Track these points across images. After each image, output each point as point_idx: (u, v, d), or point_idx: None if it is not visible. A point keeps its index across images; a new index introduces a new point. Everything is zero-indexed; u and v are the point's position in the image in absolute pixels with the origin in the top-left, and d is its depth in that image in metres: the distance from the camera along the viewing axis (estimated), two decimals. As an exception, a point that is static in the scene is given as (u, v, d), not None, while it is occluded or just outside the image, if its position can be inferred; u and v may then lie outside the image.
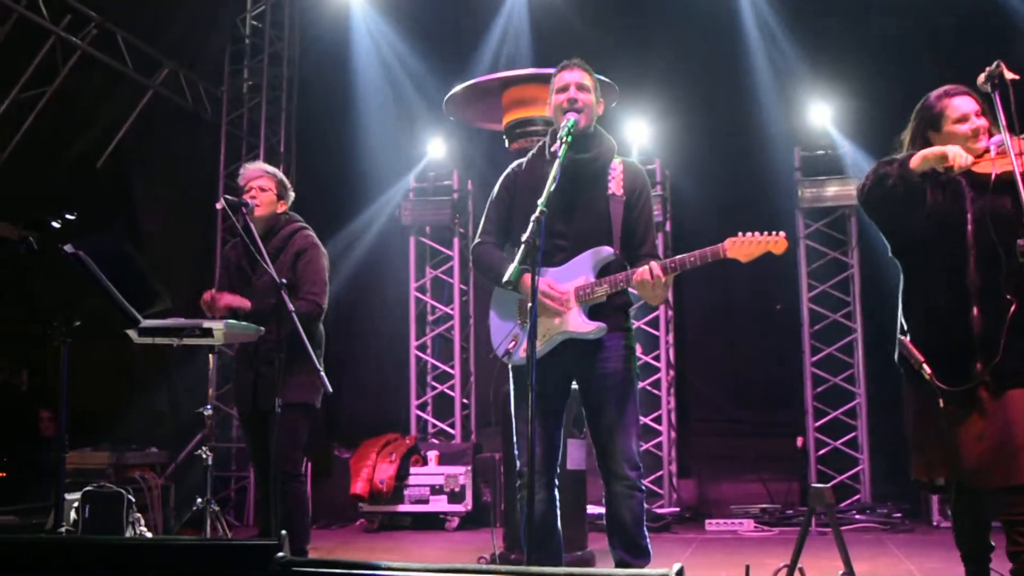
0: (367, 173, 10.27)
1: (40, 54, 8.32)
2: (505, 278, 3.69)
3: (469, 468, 8.86)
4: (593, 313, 4.10)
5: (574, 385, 4.27)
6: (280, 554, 2.51)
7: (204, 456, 4.93)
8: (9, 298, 9.72)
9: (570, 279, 4.12)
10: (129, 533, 5.78)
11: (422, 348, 10.38)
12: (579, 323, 4.08)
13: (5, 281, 9.43)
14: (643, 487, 4.21)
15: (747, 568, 4.29)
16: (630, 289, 4.09)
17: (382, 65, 10.27)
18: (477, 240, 4.40)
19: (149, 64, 9.52)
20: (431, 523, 8.85)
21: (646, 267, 3.94)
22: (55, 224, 3.95)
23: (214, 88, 10.42)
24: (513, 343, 4.09)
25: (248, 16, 10.57)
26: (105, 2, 8.65)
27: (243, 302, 5.00)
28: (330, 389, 4.45)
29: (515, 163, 4.44)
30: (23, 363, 10.15)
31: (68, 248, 3.82)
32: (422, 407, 10.26)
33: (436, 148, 10.32)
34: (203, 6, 9.79)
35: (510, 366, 4.24)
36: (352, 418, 10.08)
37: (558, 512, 4.25)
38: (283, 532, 4.30)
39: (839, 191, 9.23)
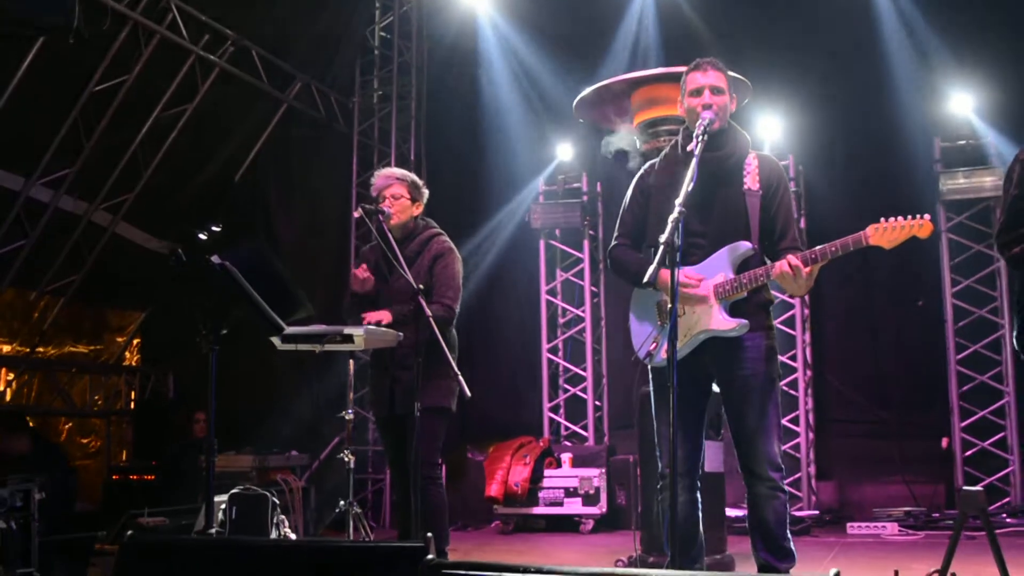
0: (496, 178, 10.34)
1: (181, 73, 8.65)
2: (644, 279, 3.65)
3: (603, 471, 8.82)
4: (734, 311, 4.04)
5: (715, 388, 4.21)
6: (429, 556, 2.53)
7: (346, 459, 5.02)
8: (158, 309, 10.21)
9: (708, 277, 4.06)
10: (274, 534, 5.93)
11: (554, 351, 10.38)
12: (720, 320, 4.02)
13: (156, 293, 9.90)
14: (786, 489, 4.12)
15: (896, 573, 4.16)
16: (770, 284, 4.02)
17: (509, 70, 10.33)
18: (613, 242, 4.38)
19: (283, 78, 9.80)
20: (565, 525, 8.84)
21: (784, 260, 3.86)
22: (202, 236, 4.08)
23: (345, 99, 10.65)
24: (654, 344, 4.05)
25: (376, 28, 10.78)
26: (241, 21, 8.94)
27: (385, 316, 5.04)
28: (468, 393, 4.48)
29: (647, 164, 4.40)
30: (170, 370, 10.59)
31: (215, 259, 3.94)
32: (554, 410, 10.26)
33: (565, 151, 10.32)
34: (334, 20, 10.01)
35: (650, 367, 4.20)
36: (484, 421, 10.14)
37: (700, 515, 4.19)
38: (428, 535, 4.35)
39: (982, 182, 8.84)
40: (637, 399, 5.62)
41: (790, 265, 3.83)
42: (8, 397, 9.09)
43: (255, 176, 9.97)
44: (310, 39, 9.91)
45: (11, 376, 9.20)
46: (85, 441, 10.31)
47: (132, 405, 10.54)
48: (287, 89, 9.85)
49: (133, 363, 10.63)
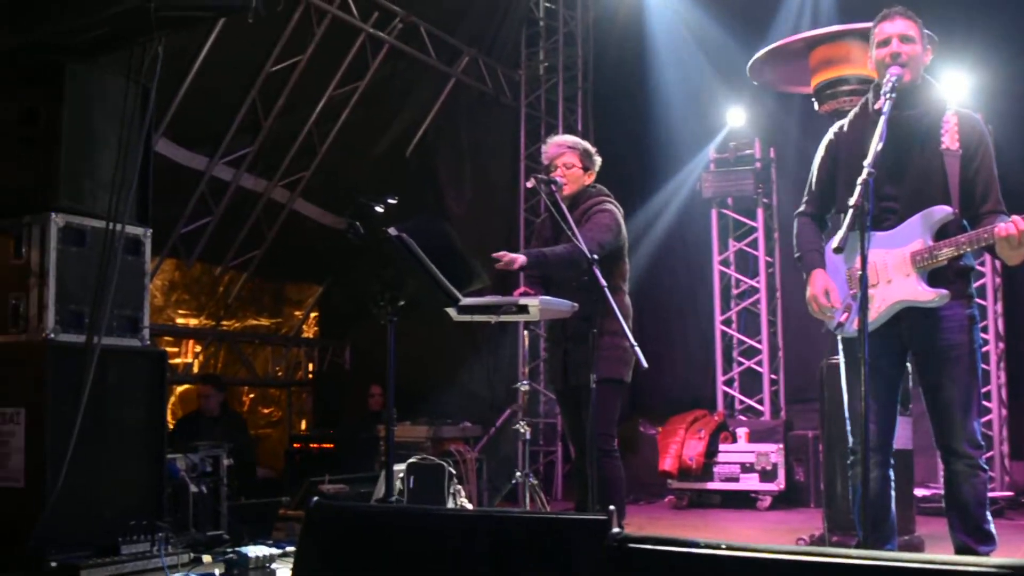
0: (665, 147, 10.12)
1: (352, 51, 8.80)
2: (833, 245, 3.47)
3: (781, 446, 8.56)
4: (933, 279, 3.79)
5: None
6: (615, 530, 2.46)
7: (521, 430, 5.01)
8: (335, 282, 10.49)
9: (904, 244, 3.82)
10: (450, 504, 5.99)
11: (727, 323, 10.14)
12: (918, 291, 3.78)
13: (332, 267, 10.18)
14: (985, 467, 3.86)
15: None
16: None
17: (676, 35, 10.07)
18: (799, 209, 4.20)
19: (451, 53, 9.85)
20: (741, 501, 8.63)
21: (1011, 220, 3.57)
22: (378, 209, 4.10)
23: (512, 72, 10.63)
24: (845, 315, 3.84)
25: (541, -1, 10.73)
26: (408, -3, 9.05)
27: (519, 259, 4.90)
28: (645, 364, 4.37)
29: (836, 125, 4.18)
30: (347, 342, 10.87)
31: (392, 231, 3.96)
32: (728, 383, 10.02)
33: (736, 117, 10.01)
34: (499, -7, 10.02)
35: (840, 338, 4.00)
36: (656, 394, 9.99)
37: (892, 492, 3.98)
38: (611, 508, 4.29)
39: None
40: (822, 371, 5.40)
41: (1017, 227, 3.54)
42: (195, 368, 9.51)
43: (425, 151, 10.08)
44: (476, 13, 9.93)
45: (198, 348, 9.62)
46: (267, 411, 10.72)
47: (311, 376, 10.89)
48: (454, 63, 9.90)
49: (311, 335, 10.97)
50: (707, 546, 2.31)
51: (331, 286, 10.54)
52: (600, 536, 2.47)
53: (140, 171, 5.00)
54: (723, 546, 2.31)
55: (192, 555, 5.01)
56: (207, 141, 8.31)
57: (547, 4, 10.75)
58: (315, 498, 2.76)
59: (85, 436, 4.74)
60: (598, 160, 5.29)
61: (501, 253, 4.89)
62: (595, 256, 4.53)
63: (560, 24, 10.63)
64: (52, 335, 4.86)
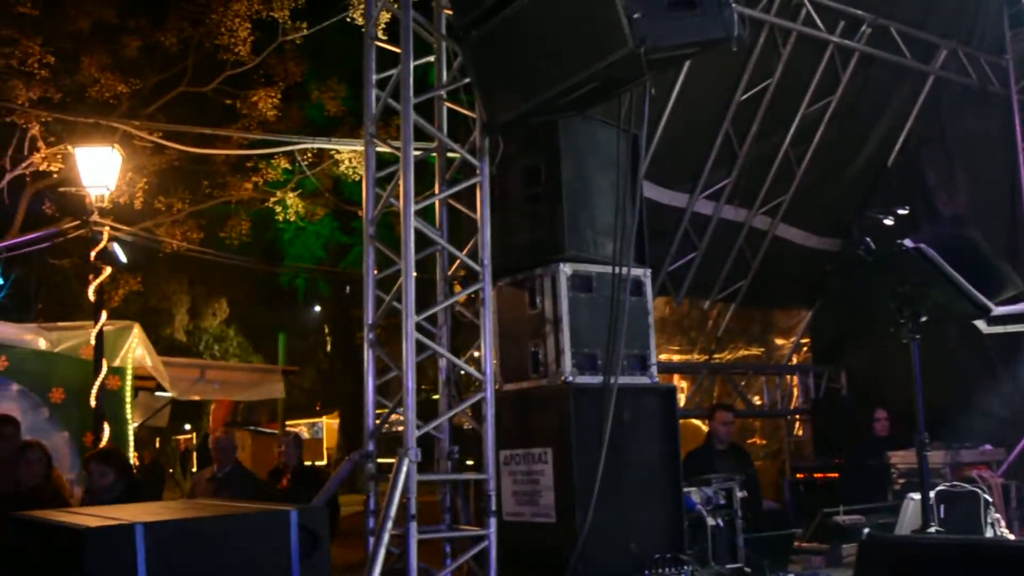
0: None
1: (821, 66, 8.57)
2: None
3: None
4: None
5: None
6: None
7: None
8: (824, 305, 10.18)
9: None
10: (988, 533, 5.48)
11: None
12: None
13: (821, 289, 9.90)
14: None
15: None
16: None
17: None
18: None
19: (926, 49, 9.26)
20: None
21: None
22: (887, 222, 3.88)
23: (997, 58, 9.74)
24: None
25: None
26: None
27: None
28: None
29: None
30: (841, 366, 10.48)
31: (908, 242, 3.71)
32: None
33: None
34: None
35: None
36: None
37: None
38: None
39: None
40: None
41: None
42: (680, 403, 9.61)
43: (907, 157, 9.54)
44: (948, 2, 9.27)
45: (684, 383, 9.73)
46: (762, 442, 10.60)
47: (801, 403, 10.60)
48: (931, 59, 9.29)
49: (802, 361, 10.71)
50: None
51: (821, 309, 10.24)
52: None
53: (635, 215, 5.17)
54: None
55: (717, 588, 5.00)
56: (685, 178, 8.46)
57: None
58: (866, 531, 2.62)
59: (608, 472, 4.95)
60: None
61: None
62: None
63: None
64: (571, 378, 5.14)
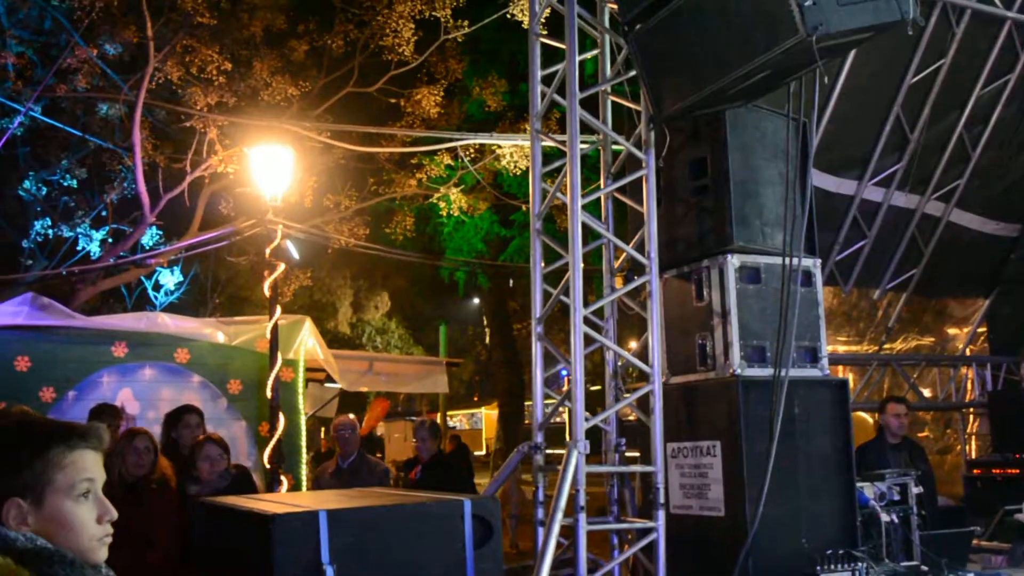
0: None
1: (997, 43, 8.19)
2: None
3: None
4: None
5: None
6: None
7: None
8: (1003, 293, 9.75)
9: None
10: None
11: None
12: None
13: (1001, 276, 9.48)
14: None
15: None
16: None
17: None
18: None
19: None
20: None
21: None
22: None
23: None
24: None
25: None
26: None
27: None
28: None
29: None
30: (1021, 357, 10.01)
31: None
32: None
33: None
34: None
35: None
36: None
37: None
38: None
39: None
40: None
41: None
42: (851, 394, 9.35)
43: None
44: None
45: (850, 375, 9.46)
46: (933, 436, 10.23)
47: (978, 396, 10.17)
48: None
49: (978, 352, 10.27)
50: None
51: (1000, 297, 9.80)
52: None
53: (805, 204, 5.08)
54: None
55: (896, 586, 4.88)
56: (853, 165, 8.22)
57: None
58: None
59: (778, 465, 4.88)
60: None
61: None
62: None
63: None
64: (739, 370, 5.09)
